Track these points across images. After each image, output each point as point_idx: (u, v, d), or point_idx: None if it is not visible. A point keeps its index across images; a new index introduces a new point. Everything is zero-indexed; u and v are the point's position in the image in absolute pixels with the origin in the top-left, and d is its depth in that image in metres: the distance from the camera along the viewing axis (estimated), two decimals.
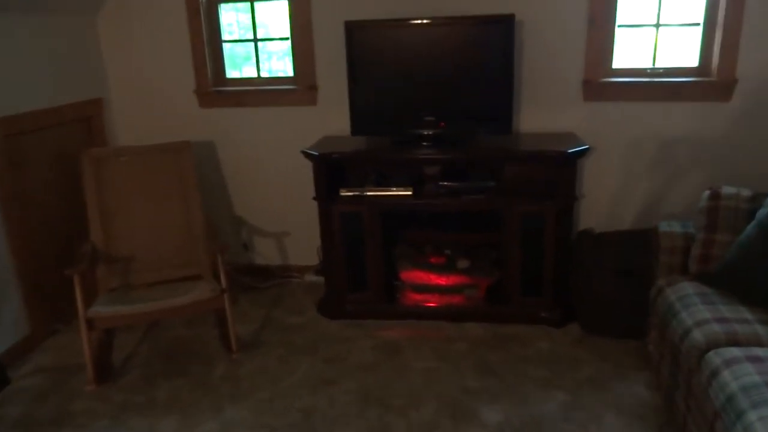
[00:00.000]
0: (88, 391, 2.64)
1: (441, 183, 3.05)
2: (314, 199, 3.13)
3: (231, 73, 3.63)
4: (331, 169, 3.10)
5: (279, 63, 3.64)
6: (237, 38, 3.62)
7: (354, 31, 3.04)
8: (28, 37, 3.04)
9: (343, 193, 3.09)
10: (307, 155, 3.06)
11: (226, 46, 3.59)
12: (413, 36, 3.05)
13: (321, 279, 3.49)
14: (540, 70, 3.21)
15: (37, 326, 3.10)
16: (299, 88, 3.46)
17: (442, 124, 3.06)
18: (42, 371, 2.87)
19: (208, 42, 3.51)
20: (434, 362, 2.80)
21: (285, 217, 3.71)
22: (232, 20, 3.61)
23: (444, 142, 3.07)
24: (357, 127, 3.17)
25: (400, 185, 3.08)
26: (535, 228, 2.95)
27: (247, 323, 3.25)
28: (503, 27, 2.94)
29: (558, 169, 2.92)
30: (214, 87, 3.58)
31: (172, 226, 3.17)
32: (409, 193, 3.05)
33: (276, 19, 3.52)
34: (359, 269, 3.17)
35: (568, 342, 2.93)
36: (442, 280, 3.20)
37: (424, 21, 3.01)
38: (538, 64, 3.20)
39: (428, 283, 3.22)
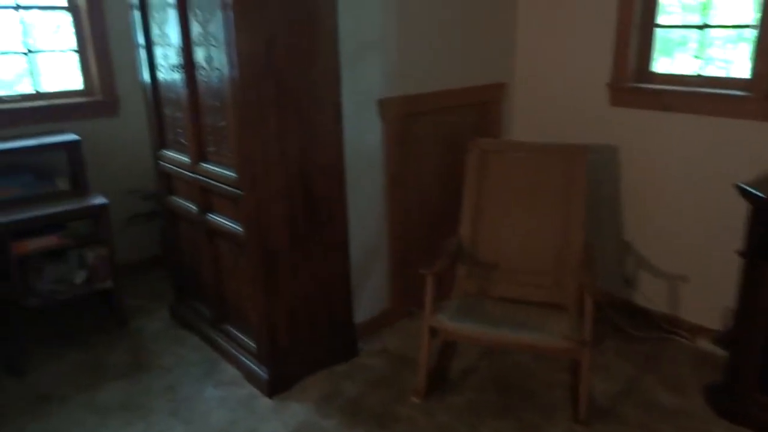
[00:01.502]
0: (413, 401, 2.48)
1: None
2: (739, 254, 2.24)
3: (658, 64, 2.90)
4: None
5: (726, 54, 2.74)
6: (676, 23, 2.85)
7: None
8: (446, 14, 2.93)
9: None
10: (744, 193, 2.18)
11: (658, 32, 2.87)
12: None
13: (720, 353, 2.59)
14: None
15: (395, 304, 3.12)
16: (753, 96, 2.52)
17: None
18: (386, 354, 2.85)
19: (639, 25, 2.85)
20: None
21: (688, 257, 2.86)
22: None
23: None
24: None
25: None
26: None
27: (607, 379, 2.62)
28: None
29: None
30: (634, 82, 2.91)
31: (546, 241, 2.73)
32: None
33: None
34: None
35: None
36: None
37: None
38: None
39: None
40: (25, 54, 3.27)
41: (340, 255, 2.70)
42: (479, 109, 3.25)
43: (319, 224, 2.56)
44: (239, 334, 2.74)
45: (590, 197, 2.81)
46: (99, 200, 3.00)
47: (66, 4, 3.33)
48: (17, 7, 3.19)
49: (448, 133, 3.11)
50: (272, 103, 2.28)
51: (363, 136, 2.74)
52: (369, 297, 2.98)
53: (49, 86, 3.37)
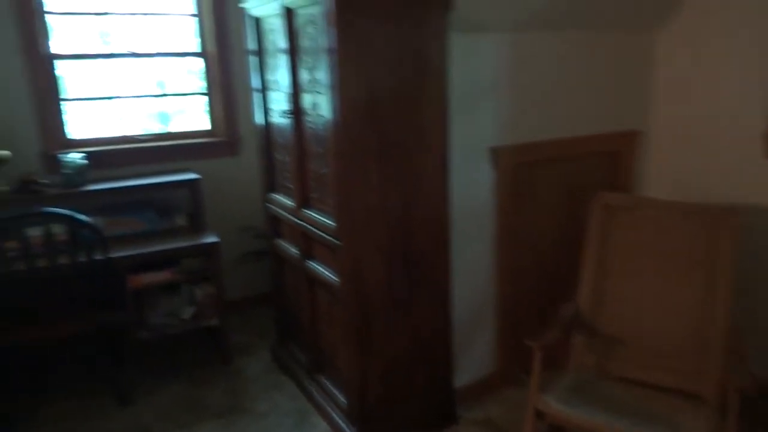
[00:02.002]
0: None
1: None
2: None
3: None
4: None
5: None
6: None
7: None
8: (571, 56, 2.68)
9: None
10: None
11: None
12: None
13: None
14: None
15: (502, 368, 2.85)
16: None
17: None
18: (488, 425, 2.59)
19: None
20: None
21: None
22: None
23: None
24: None
25: None
26: None
27: None
28: None
29: None
30: None
31: (683, 316, 2.34)
32: None
33: None
34: None
35: None
36: None
37: None
38: None
39: None
40: (161, 96, 3.50)
41: (441, 312, 2.51)
42: (607, 160, 2.93)
43: (419, 279, 2.40)
44: (332, 387, 2.63)
45: (743, 267, 2.37)
46: (211, 239, 3.07)
47: (199, 51, 3.53)
48: (156, 54, 3.43)
49: (570, 184, 2.83)
50: (374, 151, 2.17)
51: (472, 187, 2.55)
52: (473, 359, 2.75)
53: (180, 126, 3.58)
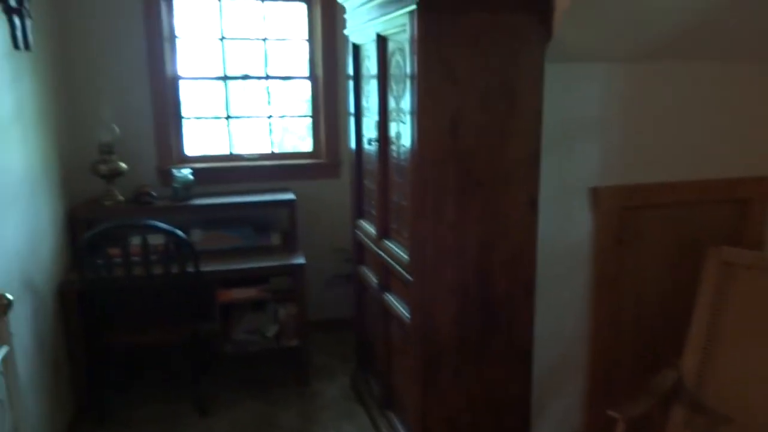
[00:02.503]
0: None
1: None
2: None
3: None
4: None
5: None
6: None
7: None
8: (696, 89, 2.38)
9: None
10: None
11: None
12: None
13: None
14: None
15: (589, 429, 2.57)
16: None
17: None
18: None
19: None
20: None
21: None
22: None
23: None
24: None
25: None
26: None
27: None
28: None
29: None
30: None
31: None
32: None
33: None
34: None
35: None
36: None
37: None
38: None
39: None
40: (269, 118, 3.63)
41: (518, 362, 2.30)
42: (734, 209, 2.55)
43: (496, 325, 2.22)
44: (399, 426, 2.51)
45: None
46: (298, 260, 3.10)
47: (308, 74, 3.63)
48: (267, 77, 3.57)
49: (685, 234, 2.49)
50: (453, 185, 2.06)
51: (565, 230, 2.34)
52: (555, 418, 2.50)
53: (285, 147, 3.69)
